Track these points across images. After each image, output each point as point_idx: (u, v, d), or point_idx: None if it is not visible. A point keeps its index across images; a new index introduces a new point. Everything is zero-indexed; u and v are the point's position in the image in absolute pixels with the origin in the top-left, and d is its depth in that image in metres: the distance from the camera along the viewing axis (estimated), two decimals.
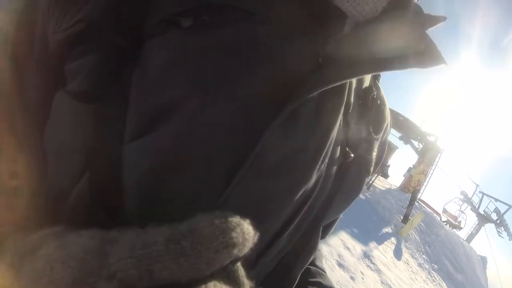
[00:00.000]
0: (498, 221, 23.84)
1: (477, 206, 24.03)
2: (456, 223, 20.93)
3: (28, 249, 0.38)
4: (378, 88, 0.61)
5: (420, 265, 9.38)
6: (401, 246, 9.76)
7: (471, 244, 21.31)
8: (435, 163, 19.14)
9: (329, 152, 0.50)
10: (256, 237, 0.40)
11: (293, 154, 0.46)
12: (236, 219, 0.38)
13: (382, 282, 6.55)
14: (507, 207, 23.94)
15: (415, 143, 19.07)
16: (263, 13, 0.45)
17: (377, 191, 14.50)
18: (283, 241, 0.53)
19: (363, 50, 0.47)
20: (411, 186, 17.55)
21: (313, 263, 0.79)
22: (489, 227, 24.32)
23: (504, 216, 23.83)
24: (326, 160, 0.50)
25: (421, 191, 18.62)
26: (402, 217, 11.96)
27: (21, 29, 0.52)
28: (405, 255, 9.32)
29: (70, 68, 0.46)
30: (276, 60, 0.45)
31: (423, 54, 0.49)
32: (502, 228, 24.00)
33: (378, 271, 6.94)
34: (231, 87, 0.43)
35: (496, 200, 24.43)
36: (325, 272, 0.80)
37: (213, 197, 0.43)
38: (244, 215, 0.42)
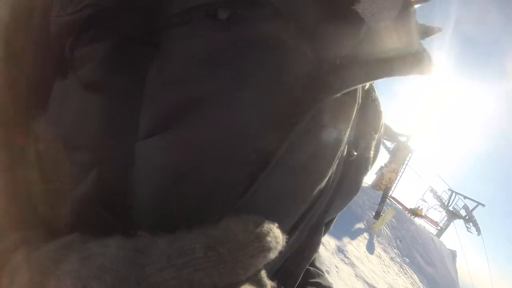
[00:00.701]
0: (467, 217, 24.54)
1: (446, 203, 24.64)
2: (437, 228, 21.45)
3: (47, 265, 0.35)
4: (374, 89, 0.61)
5: (392, 258, 9.58)
6: (374, 241, 9.91)
7: (441, 238, 21.88)
8: (406, 162, 19.59)
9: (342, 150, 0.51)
10: (285, 240, 0.39)
11: (314, 153, 0.46)
12: (268, 224, 0.38)
13: (356, 275, 6.65)
14: (475, 204, 24.71)
15: (387, 143, 19.45)
16: (289, 13, 0.43)
17: None
18: (294, 239, 0.53)
19: (378, 54, 0.47)
20: (383, 184, 17.88)
21: (312, 264, 0.79)
22: (459, 223, 25.05)
23: (472, 212, 24.56)
24: (336, 161, 0.51)
25: (392, 189, 19.02)
26: (374, 214, 12.20)
27: (16, 10, 0.49)
28: (378, 249, 9.48)
29: (78, 54, 0.43)
30: (299, 61, 0.43)
31: (429, 61, 0.50)
32: (471, 224, 24.74)
33: (352, 264, 7.04)
34: (261, 85, 0.41)
35: (465, 197, 25.15)
36: (324, 273, 0.80)
37: (233, 198, 0.42)
38: (263, 215, 0.41)
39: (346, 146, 0.53)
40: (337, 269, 6.30)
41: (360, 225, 10.77)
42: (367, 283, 6.69)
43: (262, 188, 0.43)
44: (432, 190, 24.62)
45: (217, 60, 0.40)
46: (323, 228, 0.60)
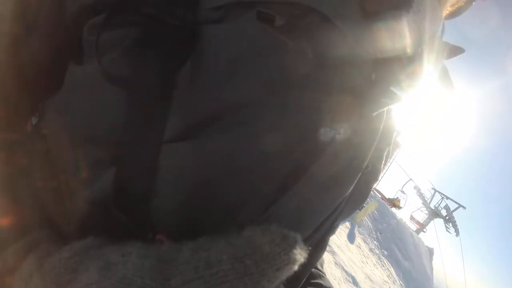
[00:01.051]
0: (447, 217, 24.99)
1: (429, 202, 25.03)
2: (424, 230, 21.74)
3: (63, 275, 0.33)
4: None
5: (371, 250, 9.72)
6: (355, 231, 10.05)
7: (420, 235, 22.23)
8: (393, 156, 19.70)
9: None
10: (307, 252, 0.37)
11: (346, 167, 0.46)
12: (294, 236, 0.36)
13: (335, 263, 6.74)
14: (457, 205, 25.08)
15: None
16: (338, 23, 0.39)
17: None
18: (310, 243, 0.51)
19: (377, 54, 0.43)
20: None
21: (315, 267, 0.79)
22: (439, 222, 25.43)
23: (453, 213, 24.98)
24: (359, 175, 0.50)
25: (377, 182, 19.14)
26: None
27: None
28: (358, 239, 9.62)
29: (103, 39, 0.39)
30: (342, 73, 0.41)
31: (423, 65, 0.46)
32: (450, 224, 25.22)
33: (333, 252, 7.12)
34: (301, 96, 0.40)
35: (447, 198, 25.54)
36: (325, 274, 0.79)
37: (261, 208, 0.41)
38: (287, 225, 0.40)
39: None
40: None
41: None
42: (345, 271, 6.79)
43: (291, 200, 0.42)
44: (416, 187, 24.99)
45: (261, 65, 0.38)
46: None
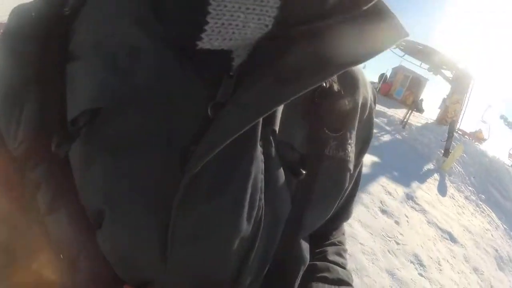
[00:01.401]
0: None
1: None
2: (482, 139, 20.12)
3: None
4: (336, 81, 0.58)
5: (466, 197, 9.15)
6: (445, 181, 9.52)
7: None
8: (469, 90, 18.43)
9: (258, 195, 0.48)
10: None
11: (211, 217, 0.46)
12: None
13: (428, 222, 6.43)
14: None
15: (446, 72, 18.42)
16: (130, 102, 0.46)
17: (413, 128, 14.18)
18: (252, 271, 0.53)
19: (265, 75, 0.45)
20: (448, 117, 17.04)
21: (324, 258, 0.77)
22: None
23: None
24: (257, 203, 0.48)
25: (459, 121, 18.11)
26: (443, 151, 11.62)
27: None
28: (450, 190, 9.09)
29: (31, 177, 0.51)
30: (158, 141, 0.46)
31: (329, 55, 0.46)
32: None
33: (423, 211, 6.81)
34: (129, 188, 0.45)
35: None
36: (340, 265, 0.77)
37: (157, 263, 0.48)
38: (185, 280, 0.50)
39: (282, 171, 0.51)
40: (407, 219, 6.11)
41: (429, 166, 10.38)
42: (440, 228, 6.41)
43: (175, 255, 0.47)
44: (502, 117, 23.31)
45: (86, 180, 0.48)
46: (303, 243, 0.61)
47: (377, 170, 7.80)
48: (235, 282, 0.52)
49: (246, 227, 0.48)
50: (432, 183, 8.98)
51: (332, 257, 0.78)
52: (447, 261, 5.35)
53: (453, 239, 6.24)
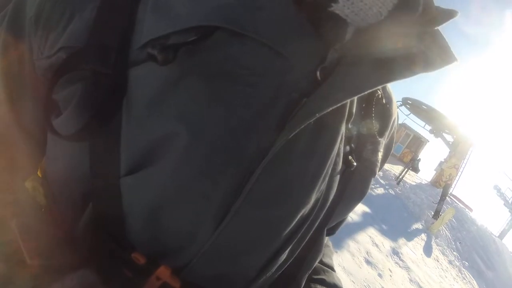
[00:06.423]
0: None
1: (510, 202, 23.36)
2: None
3: None
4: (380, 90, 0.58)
5: (450, 262, 9.17)
6: (432, 243, 9.55)
7: (503, 240, 20.74)
8: (467, 156, 18.69)
9: (330, 170, 0.50)
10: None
11: (290, 181, 0.46)
12: None
13: (410, 280, 6.45)
14: None
15: (447, 136, 18.68)
16: (254, 31, 0.41)
17: (407, 186, 14.27)
18: (285, 255, 0.54)
19: (365, 59, 0.45)
20: (442, 181, 17.25)
21: (320, 261, 0.78)
22: None
23: None
24: (327, 178, 0.50)
25: (453, 186, 18.25)
26: (433, 213, 11.70)
27: (8, 47, 0.50)
28: (435, 252, 9.11)
29: (58, 98, 0.46)
30: (267, 82, 0.43)
31: (431, 56, 0.46)
32: None
33: (407, 268, 6.82)
34: (219, 117, 0.42)
35: None
36: (332, 269, 0.79)
37: (210, 229, 0.45)
38: (240, 243, 0.47)
39: (341, 158, 0.52)
40: (390, 273, 6.10)
41: (418, 225, 10.39)
42: None
43: (235, 220, 0.45)
44: (495, 187, 23.43)
45: (168, 100, 0.42)
46: (325, 235, 0.62)
47: (367, 220, 7.89)
48: (267, 265, 0.52)
49: (310, 202, 0.49)
50: (418, 242, 9.01)
51: (326, 259, 0.80)
52: None
53: None
